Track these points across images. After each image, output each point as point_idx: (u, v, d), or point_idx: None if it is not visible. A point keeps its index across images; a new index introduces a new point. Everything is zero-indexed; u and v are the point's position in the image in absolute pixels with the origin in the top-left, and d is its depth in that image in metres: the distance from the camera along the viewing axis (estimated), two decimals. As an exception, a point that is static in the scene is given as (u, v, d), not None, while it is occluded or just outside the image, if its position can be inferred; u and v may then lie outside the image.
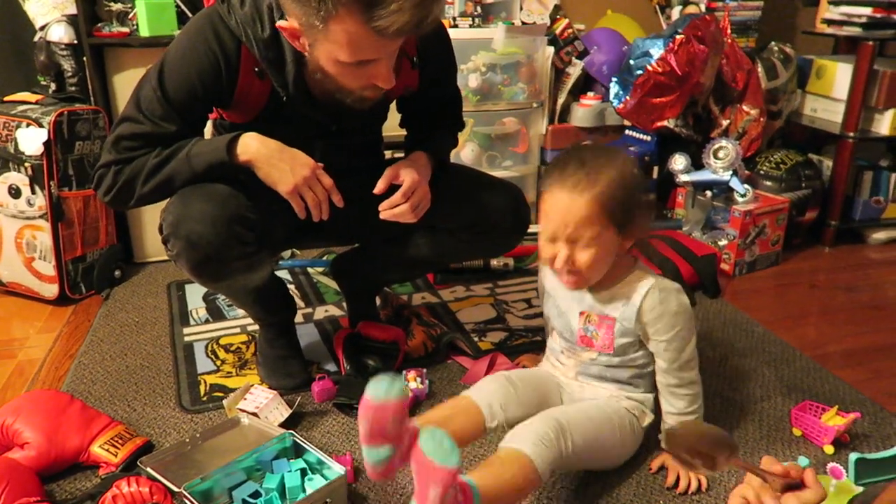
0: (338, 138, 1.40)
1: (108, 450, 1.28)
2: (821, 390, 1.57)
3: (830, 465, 1.23)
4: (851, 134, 2.38)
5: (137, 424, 1.43)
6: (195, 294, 2.04)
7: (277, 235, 1.45)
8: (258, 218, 1.30)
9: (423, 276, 2.10)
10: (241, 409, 1.39)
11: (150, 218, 2.23)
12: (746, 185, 2.23)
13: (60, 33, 2.11)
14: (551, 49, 2.43)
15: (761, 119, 2.41)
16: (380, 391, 0.92)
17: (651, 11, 2.72)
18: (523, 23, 2.48)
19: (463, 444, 1.12)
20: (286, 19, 1.17)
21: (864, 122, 2.40)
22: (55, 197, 1.94)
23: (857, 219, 2.53)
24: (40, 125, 1.90)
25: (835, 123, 2.45)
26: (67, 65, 2.14)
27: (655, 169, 2.50)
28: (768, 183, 2.37)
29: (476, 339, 1.79)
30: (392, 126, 1.60)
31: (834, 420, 1.36)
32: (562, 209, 1.14)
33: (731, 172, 2.21)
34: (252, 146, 1.26)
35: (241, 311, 1.90)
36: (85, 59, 2.12)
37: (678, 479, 1.25)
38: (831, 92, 2.49)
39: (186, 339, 1.80)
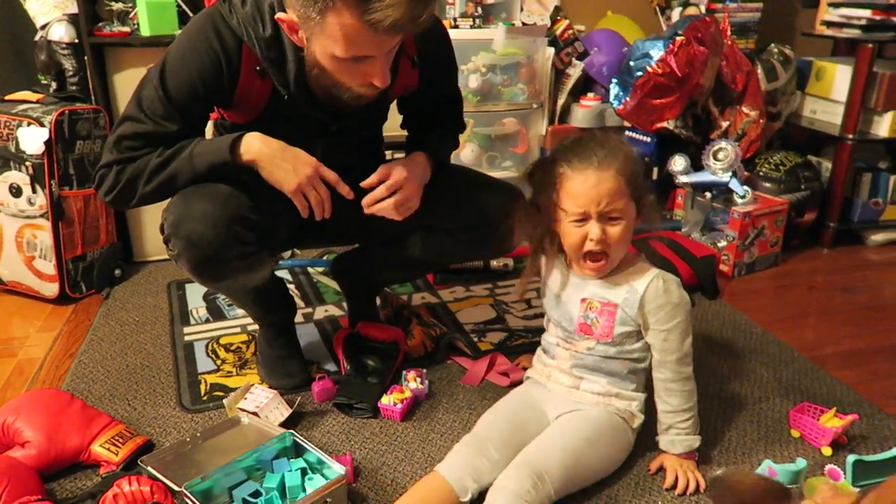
0: (338, 137, 1.40)
1: (108, 449, 1.29)
2: (819, 392, 1.57)
3: (828, 466, 1.24)
4: (850, 136, 2.38)
5: (138, 424, 1.44)
6: (195, 293, 2.05)
7: (278, 235, 1.45)
8: (259, 218, 1.30)
9: (422, 276, 2.11)
10: (241, 409, 1.40)
11: (151, 217, 2.23)
12: (745, 187, 2.23)
13: (61, 32, 2.11)
14: (551, 50, 2.43)
15: (761, 120, 2.42)
16: None
17: (651, 13, 2.72)
18: (523, 23, 2.48)
19: None
20: (285, 11, 1.17)
21: (863, 123, 2.40)
22: (56, 196, 1.94)
23: (855, 220, 2.53)
24: (41, 124, 1.90)
25: (834, 125, 2.45)
26: (68, 64, 2.14)
27: (655, 170, 2.50)
28: (767, 184, 2.37)
29: (475, 339, 1.79)
30: (393, 126, 1.61)
31: (832, 422, 1.36)
32: (591, 185, 1.19)
33: (730, 174, 2.22)
34: (255, 146, 1.27)
35: (241, 311, 1.90)
36: (86, 58, 2.12)
37: (677, 479, 1.25)
38: (830, 94, 2.49)
39: (187, 338, 1.80)
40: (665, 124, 2.39)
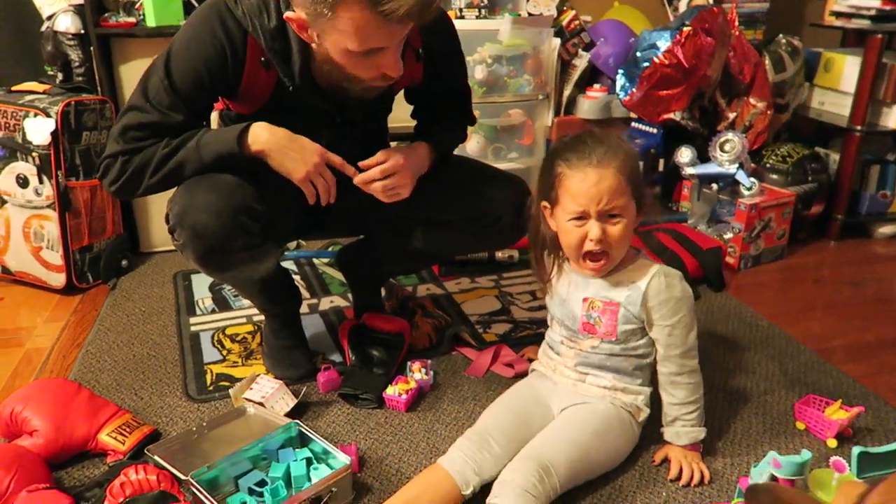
0: (343, 129, 1.40)
1: (115, 438, 1.30)
2: (825, 384, 1.57)
3: (833, 458, 1.24)
4: (859, 127, 2.37)
5: (144, 413, 1.44)
6: (201, 284, 2.05)
7: (283, 226, 1.45)
8: (264, 209, 1.30)
9: (428, 267, 2.11)
10: (247, 399, 1.40)
11: (157, 208, 2.23)
12: (752, 179, 2.22)
13: (67, 23, 2.11)
14: (557, 41, 2.42)
15: (768, 112, 2.40)
16: None
17: (658, 3, 2.71)
18: (529, 14, 2.47)
19: None
20: (293, 10, 1.17)
21: (872, 115, 2.39)
22: (62, 187, 1.95)
23: (863, 213, 2.52)
24: (48, 115, 1.91)
25: (842, 117, 2.44)
26: (74, 55, 2.14)
27: (661, 162, 2.49)
28: (774, 176, 2.36)
29: (481, 330, 1.79)
30: (398, 117, 1.60)
31: (837, 414, 1.36)
32: (591, 184, 1.17)
33: (737, 165, 2.21)
34: (263, 136, 1.27)
35: (246, 302, 1.91)
36: (92, 49, 2.12)
37: (681, 471, 1.26)
38: (839, 85, 2.48)
39: (193, 328, 1.81)
40: (672, 116, 2.38)
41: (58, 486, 1.20)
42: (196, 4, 2.13)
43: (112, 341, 1.75)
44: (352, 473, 1.20)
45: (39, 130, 1.89)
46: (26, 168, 1.94)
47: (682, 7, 2.57)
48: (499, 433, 1.22)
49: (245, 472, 1.20)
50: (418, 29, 1.29)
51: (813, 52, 2.59)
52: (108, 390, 1.53)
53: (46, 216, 1.97)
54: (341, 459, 1.20)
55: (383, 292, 1.83)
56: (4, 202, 1.99)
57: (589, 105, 2.49)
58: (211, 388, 1.54)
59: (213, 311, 1.90)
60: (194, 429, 1.31)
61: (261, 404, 1.38)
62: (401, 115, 1.61)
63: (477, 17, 2.38)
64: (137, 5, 2.15)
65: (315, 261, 2.24)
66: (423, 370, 1.54)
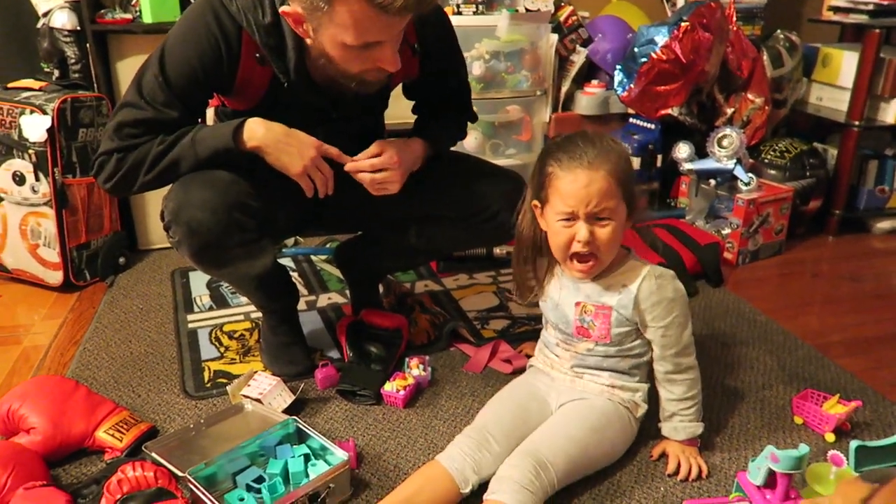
0: (338, 124, 1.40)
1: (113, 435, 1.29)
2: (823, 379, 1.57)
3: (831, 452, 1.24)
4: (857, 122, 2.37)
5: (142, 410, 1.44)
6: (199, 281, 2.05)
7: (280, 222, 1.45)
8: (259, 205, 1.30)
9: (425, 263, 2.11)
10: (244, 396, 1.40)
11: (154, 205, 2.23)
12: (750, 174, 2.22)
13: (63, 20, 2.10)
14: (555, 37, 2.41)
15: (766, 107, 2.40)
16: None
17: (656, -1, 2.70)
18: (527, 10, 2.46)
19: None
20: (288, 4, 1.16)
21: (870, 110, 2.39)
22: (59, 184, 1.94)
23: (861, 208, 2.52)
24: (44, 112, 1.90)
25: (840, 112, 2.44)
26: (70, 51, 2.13)
27: (659, 157, 2.49)
28: (772, 172, 2.36)
29: (479, 326, 1.79)
30: (396, 114, 1.60)
31: (835, 408, 1.36)
32: (581, 185, 1.16)
33: (735, 161, 2.21)
34: (259, 132, 1.26)
35: (244, 299, 1.90)
36: (88, 45, 2.11)
37: (679, 465, 1.26)
38: (837, 80, 2.47)
39: (190, 325, 1.81)
40: (669, 111, 2.38)
41: (55, 483, 1.20)
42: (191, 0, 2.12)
43: (110, 339, 1.74)
44: (350, 469, 1.20)
45: (36, 127, 1.89)
46: (23, 165, 1.93)
47: (680, 2, 2.57)
48: (498, 431, 1.21)
49: (243, 469, 1.20)
50: (414, 24, 1.29)
51: (811, 48, 2.58)
52: (105, 388, 1.52)
53: (43, 213, 1.97)
54: (339, 455, 1.20)
55: (381, 289, 1.83)
56: (1, 200, 1.99)
57: (587, 101, 2.49)
58: (208, 384, 1.54)
59: (210, 309, 1.90)
60: (192, 426, 1.31)
61: (258, 401, 1.38)
62: (398, 111, 1.61)
63: (474, 13, 2.37)
64: (134, 2, 2.15)
65: (313, 257, 2.24)
66: (421, 366, 1.54)
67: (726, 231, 2.22)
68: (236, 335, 1.75)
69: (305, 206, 1.36)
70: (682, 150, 2.31)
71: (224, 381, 1.54)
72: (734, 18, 2.41)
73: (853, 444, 1.20)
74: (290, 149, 1.27)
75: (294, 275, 2.10)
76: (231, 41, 1.25)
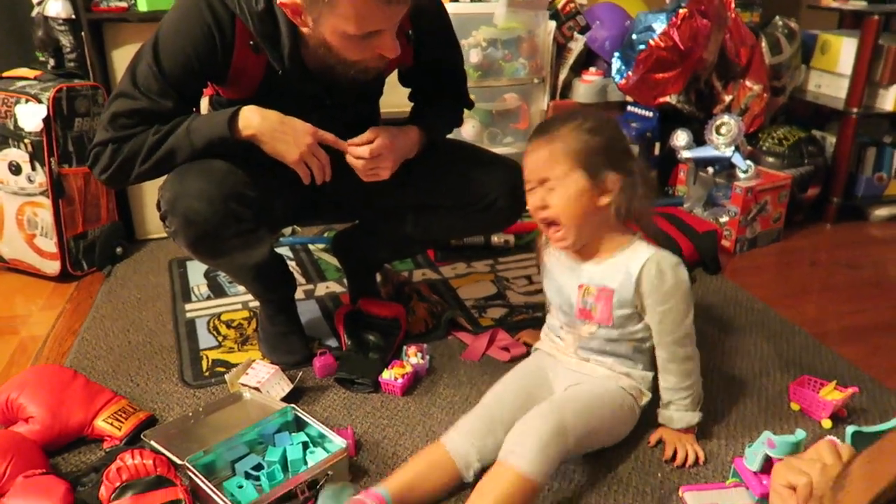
0: (333, 112, 1.39)
1: (111, 424, 1.30)
2: (820, 367, 1.57)
3: (827, 438, 1.24)
4: (855, 110, 2.36)
5: (141, 399, 1.45)
6: (197, 271, 2.05)
7: (277, 211, 1.44)
8: (256, 195, 1.29)
9: (423, 252, 2.11)
10: (243, 384, 1.40)
11: (152, 195, 2.21)
12: (748, 162, 2.22)
13: (58, 8, 2.09)
14: (553, 24, 2.40)
15: (764, 95, 2.39)
16: None
17: (654, -15, 2.69)
18: (525, -3, 2.45)
19: (440, 498, 1.15)
20: None
21: (869, 97, 2.38)
22: (55, 174, 1.94)
23: (859, 196, 2.52)
24: (39, 101, 1.89)
25: (839, 99, 2.43)
26: (66, 40, 2.12)
27: (657, 145, 2.48)
28: (771, 159, 2.36)
29: (476, 315, 1.80)
30: (391, 102, 1.59)
31: (832, 395, 1.37)
32: (529, 153, 1.23)
33: (733, 148, 2.20)
34: (254, 120, 1.26)
35: (242, 288, 1.90)
36: (83, 34, 2.10)
37: (675, 452, 1.26)
38: (836, 67, 2.46)
39: (188, 315, 1.81)
40: (667, 99, 2.37)
41: (55, 471, 1.20)
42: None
43: (108, 328, 1.74)
44: (348, 457, 1.20)
45: (31, 117, 1.88)
46: (18, 155, 1.93)
47: (679, -11, 2.55)
48: (506, 417, 1.20)
49: (242, 457, 1.20)
50: (409, 11, 1.28)
51: (809, 35, 2.57)
52: (104, 377, 1.53)
53: (40, 203, 1.96)
54: (337, 443, 1.20)
55: (379, 278, 1.83)
56: (-3, 190, 1.99)
57: (585, 89, 2.48)
58: (207, 373, 1.54)
59: (208, 298, 1.90)
60: (191, 414, 1.31)
61: (257, 389, 1.38)
62: (394, 99, 1.60)
63: (471, 1, 2.36)
64: (128, -10, 2.13)
65: (310, 247, 2.24)
66: (419, 354, 1.54)
67: (724, 219, 2.21)
68: (234, 324, 1.75)
69: (302, 195, 1.35)
70: (681, 137, 2.31)
71: (222, 369, 1.54)
72: (732, 5, 2.40)
73: (849, 429, 1.20)
74: (285, 136, 1.26)
75: (292, 264, 2.10)
76: (224, 29, 1.24)
